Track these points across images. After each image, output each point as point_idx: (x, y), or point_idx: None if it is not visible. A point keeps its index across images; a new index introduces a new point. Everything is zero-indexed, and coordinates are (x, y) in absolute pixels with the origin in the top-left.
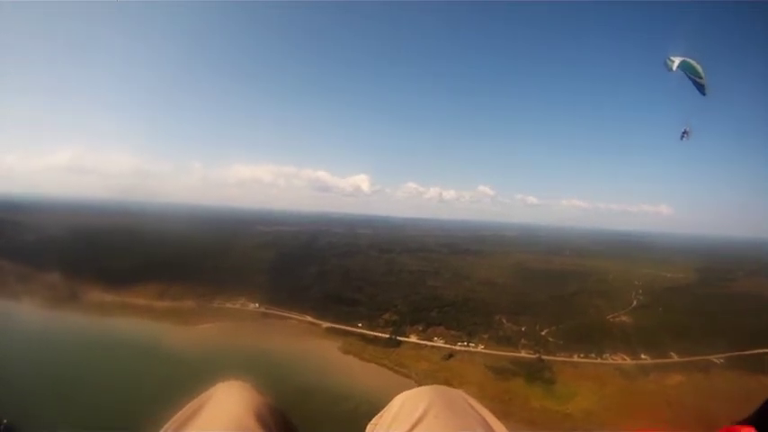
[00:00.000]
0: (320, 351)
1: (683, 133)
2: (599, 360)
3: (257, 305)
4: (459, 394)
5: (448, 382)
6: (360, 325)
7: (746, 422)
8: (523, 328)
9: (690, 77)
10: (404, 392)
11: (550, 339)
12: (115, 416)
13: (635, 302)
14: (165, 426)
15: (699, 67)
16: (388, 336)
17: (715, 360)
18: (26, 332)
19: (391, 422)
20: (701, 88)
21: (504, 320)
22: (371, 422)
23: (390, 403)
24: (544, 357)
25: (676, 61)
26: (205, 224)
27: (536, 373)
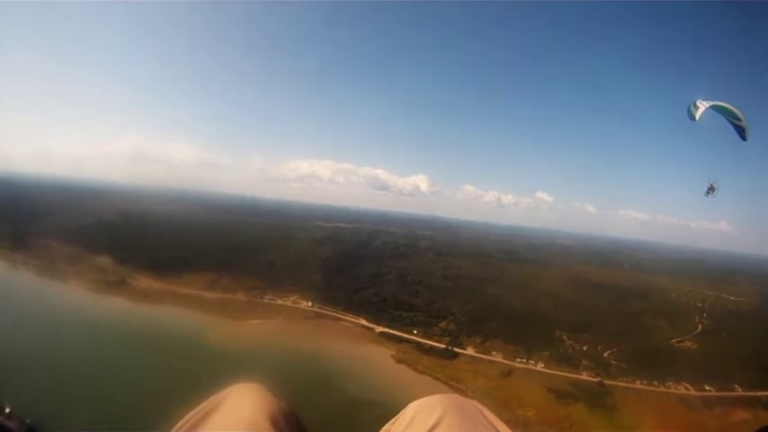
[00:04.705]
0: (373, 358)
1: (709, 189)
2: (662, 388)
3: (310, 303)
4: (473, 404)
5: (506, 403)
6: (415, 332)
7: None
8: (585, 348)
9: (728, 119)
10: (417, 400)
11: (613, 362)
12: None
13: (700, 327)
14: (177, 425)
15: (736, 110)
16: (444, 346)
17: None
18: (66, 317)
19: (404, 430)
20: (740, 131)
21: (565, 338)
22: (383, 429)
23: (403, 411)
24: (606, 382)
25: (701, 108)
26: (262, 217)
27: (597, 399)
